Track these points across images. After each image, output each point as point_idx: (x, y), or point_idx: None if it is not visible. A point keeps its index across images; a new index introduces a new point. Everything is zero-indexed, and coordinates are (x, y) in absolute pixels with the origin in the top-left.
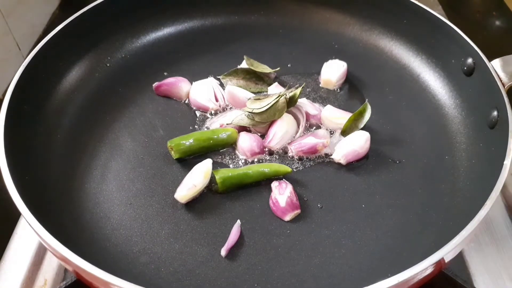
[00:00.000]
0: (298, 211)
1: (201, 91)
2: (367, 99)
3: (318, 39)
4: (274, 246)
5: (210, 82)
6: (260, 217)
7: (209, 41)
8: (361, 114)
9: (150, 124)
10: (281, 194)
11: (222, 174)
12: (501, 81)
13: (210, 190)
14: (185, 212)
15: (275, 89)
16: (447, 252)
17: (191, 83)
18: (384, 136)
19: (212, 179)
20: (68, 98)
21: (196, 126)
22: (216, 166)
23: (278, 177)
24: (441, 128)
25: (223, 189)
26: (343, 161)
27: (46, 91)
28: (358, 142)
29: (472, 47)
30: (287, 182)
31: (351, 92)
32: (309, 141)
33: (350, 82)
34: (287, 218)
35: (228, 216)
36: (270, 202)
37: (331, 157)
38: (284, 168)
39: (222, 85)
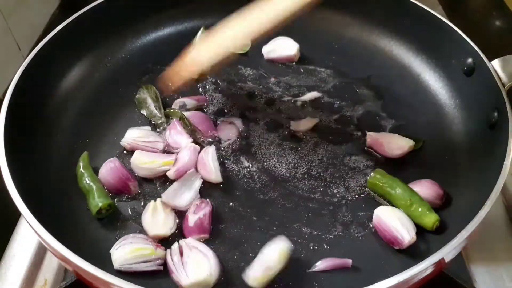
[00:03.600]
0: (206, 235)
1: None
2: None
3: (318, 39)
4: None
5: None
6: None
7: None
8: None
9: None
10: (195, 214)
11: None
12: (501, 81)
13: None
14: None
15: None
16: (447, 252)
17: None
18: None
19: None
20: (68, 98)
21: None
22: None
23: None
24: (441, 128)
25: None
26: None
27: (46, 91)
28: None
29: (472, 47)
30: (208, 202)
31: (351, 92)
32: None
33: (350, 82)
34: (189, 238)
35: (229, 217)
36: (184, 217)
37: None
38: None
39: None
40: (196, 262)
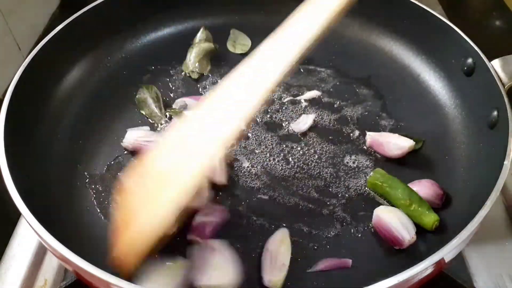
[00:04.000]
0: (205, 239)
1: None
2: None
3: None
4: None
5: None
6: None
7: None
8: None
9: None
10: (205, 216)
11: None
12: (501, 81)
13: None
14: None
15: None
16: (447, 252)
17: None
18: None
19: None
20: (68, 98)
21: None
22: None
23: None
24: (441, 128)
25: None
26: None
27: (46, 91)
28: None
29: (472, 47)
30: (225, 211)
31: (351, 92)
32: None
33: (350, 82)
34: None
35: (229, 216)
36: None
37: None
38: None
39: None
40: (220, 266)
